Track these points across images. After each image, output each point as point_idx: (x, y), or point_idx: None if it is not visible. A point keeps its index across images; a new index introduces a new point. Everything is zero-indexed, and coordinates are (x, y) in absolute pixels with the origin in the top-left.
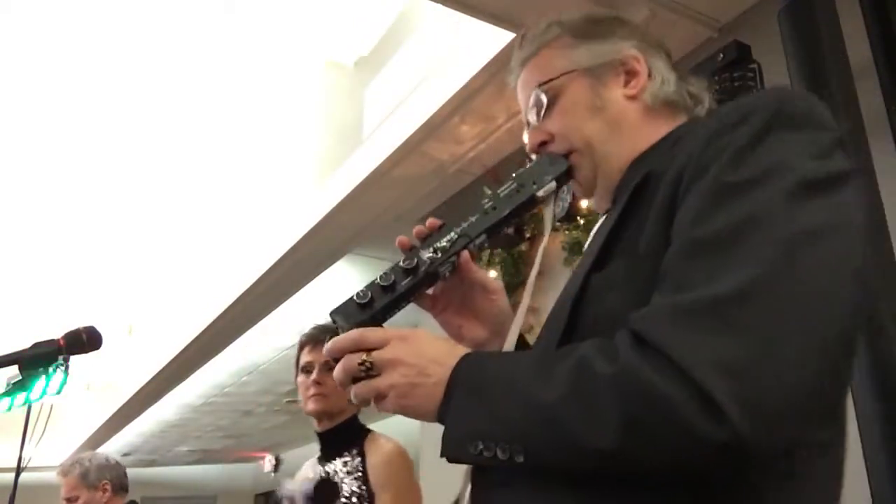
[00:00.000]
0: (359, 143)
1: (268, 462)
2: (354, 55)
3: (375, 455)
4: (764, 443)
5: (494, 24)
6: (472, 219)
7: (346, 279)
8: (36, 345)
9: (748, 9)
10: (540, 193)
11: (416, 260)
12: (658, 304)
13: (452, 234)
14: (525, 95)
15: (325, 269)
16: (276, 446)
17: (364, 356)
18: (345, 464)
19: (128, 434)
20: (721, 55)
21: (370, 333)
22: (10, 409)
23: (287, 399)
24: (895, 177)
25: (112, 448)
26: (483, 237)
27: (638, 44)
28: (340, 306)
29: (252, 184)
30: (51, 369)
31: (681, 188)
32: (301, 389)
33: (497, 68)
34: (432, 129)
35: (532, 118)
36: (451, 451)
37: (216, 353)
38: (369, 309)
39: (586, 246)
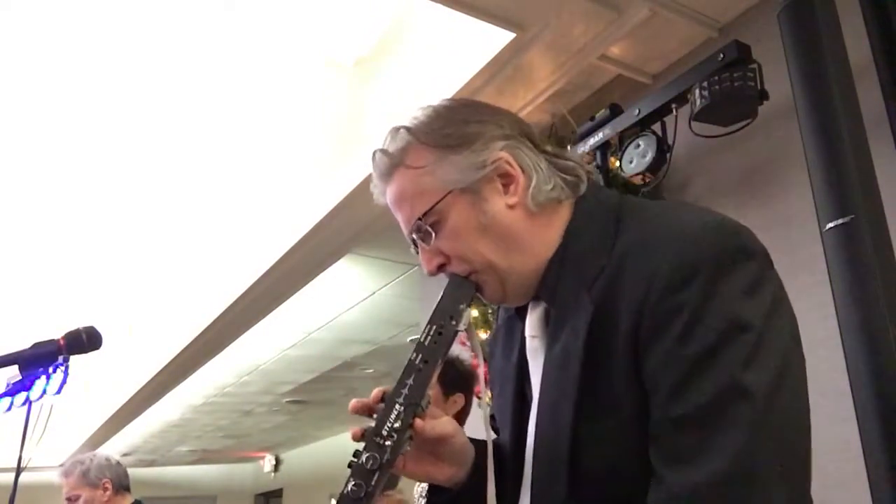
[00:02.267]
0: (359, 143)
1: (268, 462)
2: (354, 55)
3: None
4: None
5: (494, 24)
6: (410, 381)
7: (346, 279)
8: (36, 345)
9: (748, 9)
10: (461, 328)
11: (376, 454)
12: (671, 488)
13: (398, 406)
14: (400, 215)
15: (325, 269)
16: (276, 446)
17: None
18: None
19: (128, 434)
20: (721, 55)
21: None
22: (10, 409)
23: (287, 399)
24: (895, 177)
25: (112, 448)
26: (428, 395)
27: (503, 142)
28: None
29: (251, 184)
30: (51, 369)
31: (640, 341)
32: None
33: (497, 68)
34: None
35: (420, 242)
36: None
37: (216, 353)
38: None
39: (539, 365)
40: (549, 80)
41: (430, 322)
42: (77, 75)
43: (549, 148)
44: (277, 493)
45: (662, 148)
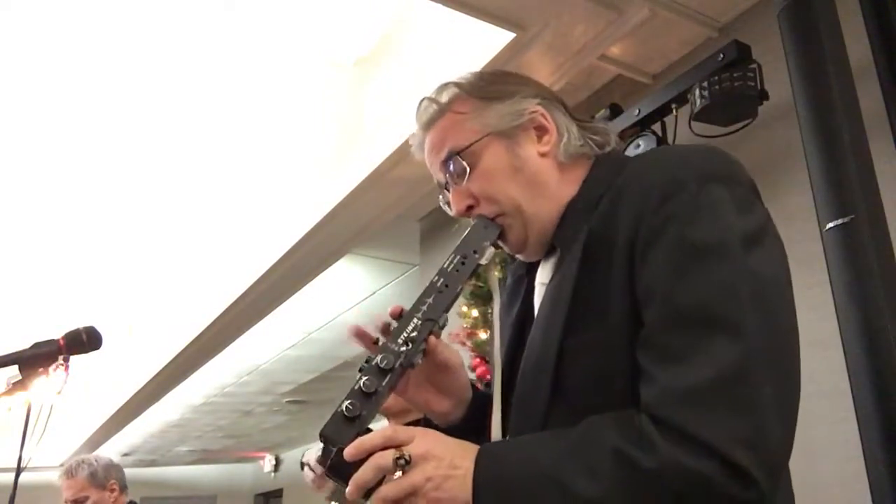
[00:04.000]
0: (359, 143)
1: (268, 462)
2: (354, 55)
3: None
4: (773, 486)
5: (494, 24)
6: (429, 300)
7: (346, 279)
8: (36, 345)
9: (748, 9)
10: (483, 261)
11: (391, 357)
12: (666, 387)
13: (416, 320)
14: (437, 159)
15: (325, 268)
16: (276, 446)
17: (398, 452)
18: None
19: (128, 434)
20: (721, 55)
21: (401, 431)
22: (10, 409)
23: (287, 399)
24: (895, 177)
25: (112, 448)
26: (445, 316)
27: (540, 100)
28: (330, 424)
29: (251, 184)
30: (51, 369)
31: (636, 252)
32: None
33: (497, 68)
34: None
35: (452, 182)
36: None
37: (216, 353)
38: (359, 421)
39: (538, 303)
40: (549, 80)
41: (455, 252)
42: (77, 75)
43: (579, 116)
44: (277, 493)
45: None
